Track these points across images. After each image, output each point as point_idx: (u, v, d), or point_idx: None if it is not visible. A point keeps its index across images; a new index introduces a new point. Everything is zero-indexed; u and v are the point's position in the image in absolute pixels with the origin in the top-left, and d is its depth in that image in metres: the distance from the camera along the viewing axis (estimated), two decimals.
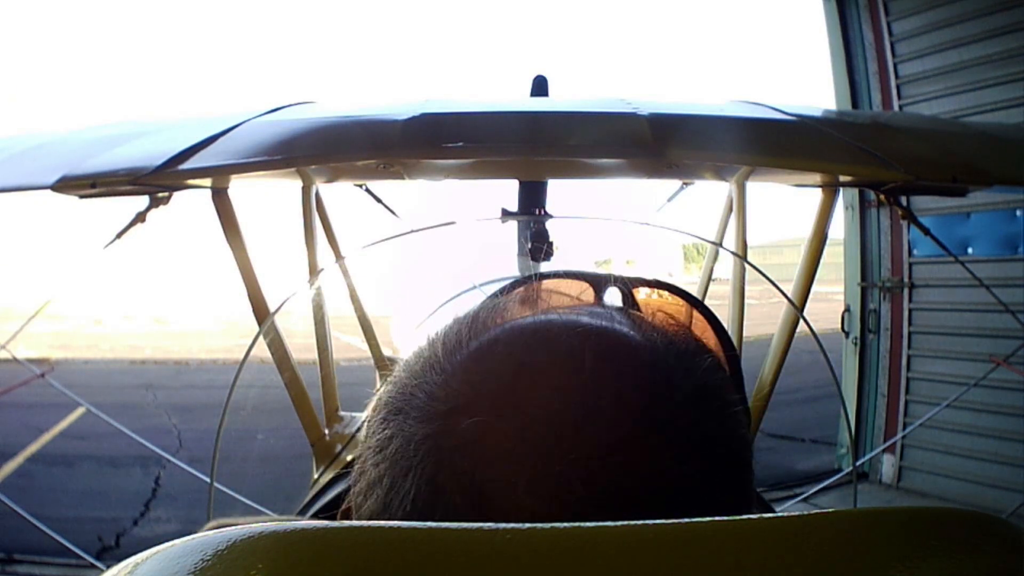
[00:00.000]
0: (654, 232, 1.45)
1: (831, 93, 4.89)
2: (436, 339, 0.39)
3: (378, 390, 0.41)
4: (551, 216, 1.90)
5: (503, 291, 0.45)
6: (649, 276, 0.47)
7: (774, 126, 1.36)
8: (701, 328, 0.48)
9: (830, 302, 6.95)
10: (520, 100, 1.84)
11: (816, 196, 1.47)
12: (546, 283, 0.50)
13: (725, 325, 0.60)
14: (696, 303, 0.62)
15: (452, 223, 1.38)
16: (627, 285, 0.49)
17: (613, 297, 0.49)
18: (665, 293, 0.58)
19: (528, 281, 0.47)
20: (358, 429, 1.60)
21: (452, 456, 0.33)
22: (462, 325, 0.39)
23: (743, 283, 1.64)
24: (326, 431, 1.58)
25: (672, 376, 0.35)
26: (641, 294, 0.49)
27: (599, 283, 0.49)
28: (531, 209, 1.89)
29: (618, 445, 0.32)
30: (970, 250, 4.26)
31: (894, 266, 4.69)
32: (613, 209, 1.45)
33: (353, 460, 1.34)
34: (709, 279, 1.98)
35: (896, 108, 4.50)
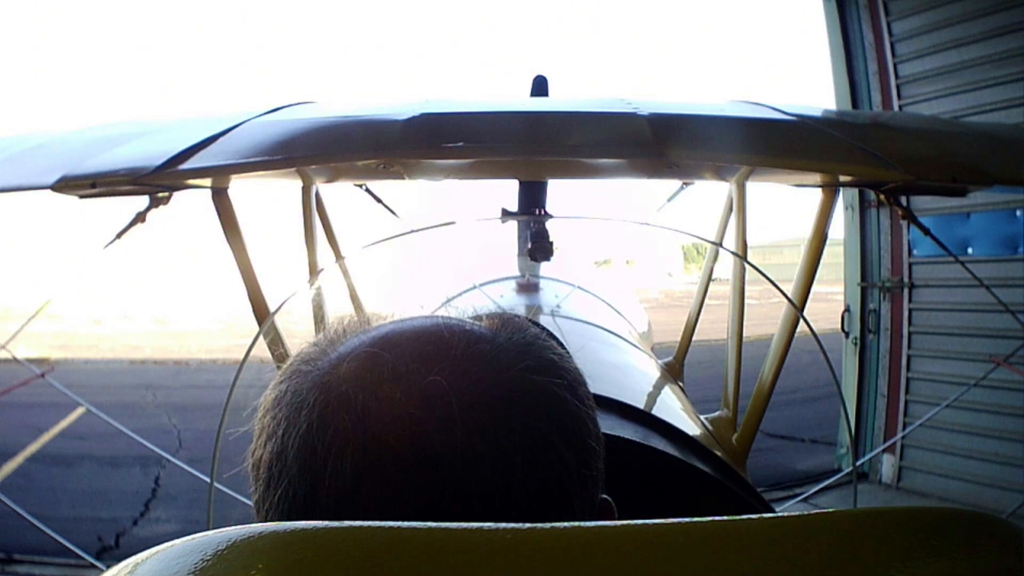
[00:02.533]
0: (654, 232, 1.46)
1: (831, 93, 4.90)
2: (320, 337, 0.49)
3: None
4: (551, 216, 1.90)
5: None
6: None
7: (774, 126, 1.36)
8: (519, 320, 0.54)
9: (830, 302, 6.95)
10: (520, 100, 1.84)
11: (816, 196, 1.47)
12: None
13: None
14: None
15: (452, 223, 1.38)
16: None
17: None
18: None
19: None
20: None
21: (337, 387, 0.41)
22: (338, 326, 0.49)
23: (743, 283, 1.64)
24: None
25: (500, 329, 0.46)
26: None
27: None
28: (531, 209, 1.89)
29: (470, 361, 0.42)
30: (970, 250, 4.26)
31: (894, 266, 4.69)
32: (613, 209, 1.45)
33: None
34: (709, 279, 1.98)
35: (896, 108, 4.50)
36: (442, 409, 0.39)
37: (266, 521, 0.41)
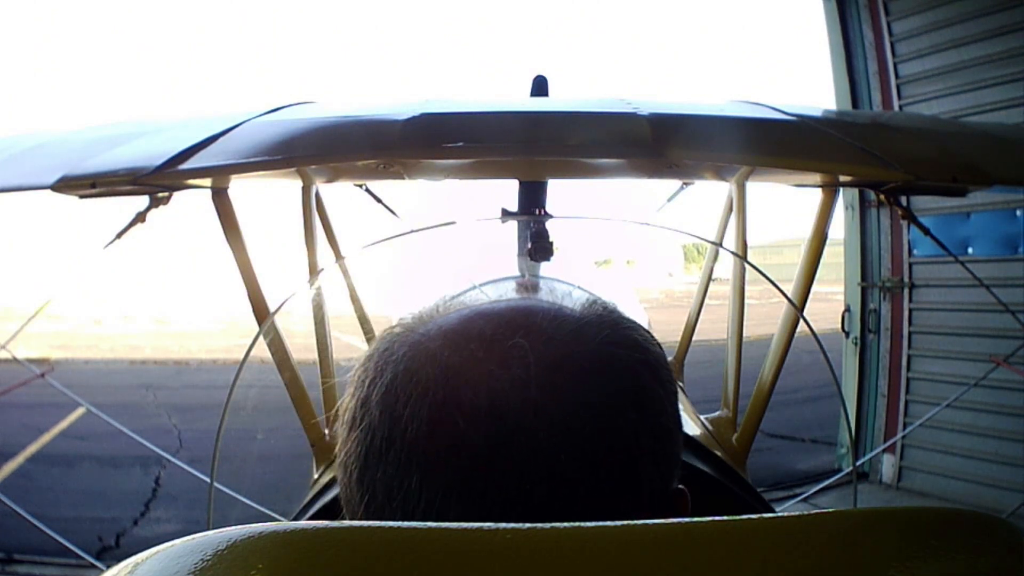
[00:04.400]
0: (654, 232, 1.46)
1: (831, 93, 4.90)
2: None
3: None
4: (551, 216, 1.90)
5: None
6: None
7: (774, 126, 1.36)
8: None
9: (830, 302, 6.94)
10: (520, 100, 1.84)
11: (816, 196, 1.47)
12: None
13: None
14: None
15: (452, 223, 1.38)
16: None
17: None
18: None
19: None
20: None
21: (428, 344, 0.44)
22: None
23: (743, 283, 1.64)
24: (326, 431, 1.57)
25: (589, 308, 0.48)
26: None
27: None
28: (531, 209, 1.89)
29: (558, 332, 0.44)
30: (970, 250, 4.26)
31: (894, 266, 4.69)
32: (613, 209, 1.45)
33: None
34: (709, 279, 1.98)
35: (896, 108, 4.50)
36: (520, 368, 0.41)
37: (344, 465, 0.45)
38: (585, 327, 0.45)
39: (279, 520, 1.64)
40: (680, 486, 0.47)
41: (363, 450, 0.43)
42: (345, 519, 0.43)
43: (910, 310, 4.63)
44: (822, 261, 1.47)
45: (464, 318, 0.46)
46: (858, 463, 4.62)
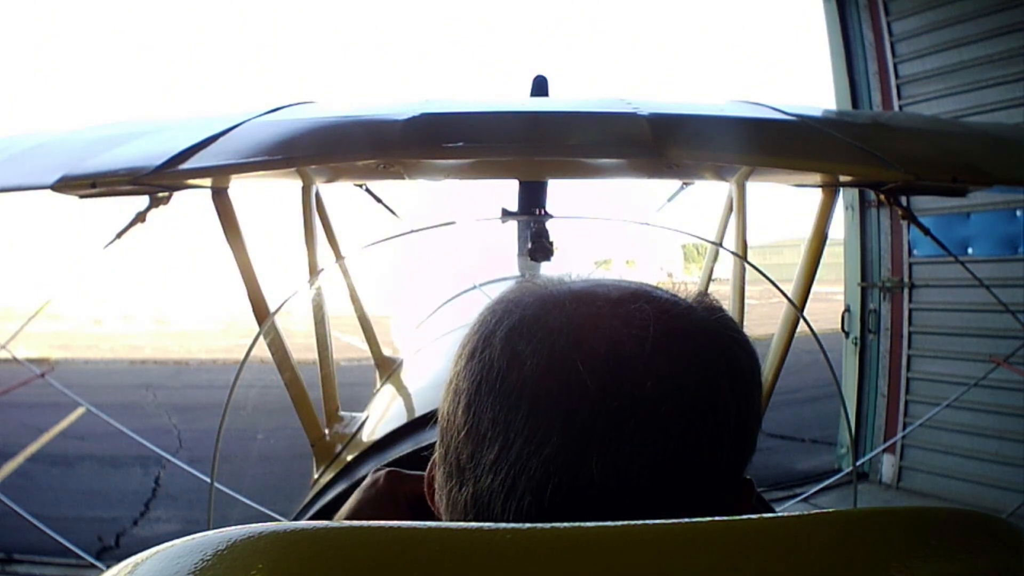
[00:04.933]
0: (654, 232, 1.45)
1: (831, 93, 4.90)
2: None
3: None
4: (551, 216, 1.90)
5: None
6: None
7: (774, 126, 1.36)
8: None
9: (830, 302, 6.95)
10: (520, 100, 1.84)
11: (816, 196, 1.47)
12: None
13: None
14: None
15: (452, 223, 1.38)
16: None
17: None
18: None
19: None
20: (358, 429, 1.60)
21: (556, 297, 0.47)
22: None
23: (743, 283, 1.64)
24: (326, 431, 1.57)
25: (698, 309, 0.50)
26: None
27: None
28: (531, 209, 1.88)
29: (659, 305, 0.47)
30: (970, 250, 4.26)
31: (894, 266, 4.69)
32: (613, 209, 1.45)
33: (354, 460, 1.32)
34: (709, 279, 1.98)
35: (896, 108, 4.50)
36: (640, 329, 0.44)
37: (454, 392, 0.48)
38: (697, 309, 0.48)
39: (279, 520, 1.64)
40: (748, 476, 0.50)
41: (479, 379, 0.46)
42: (345, 520, 0.43)
43: (910, 310, 4.63)
44: (822, 261, 1.47)
45: (592, 283, 0.49)
46: (858, 463, 4.62)
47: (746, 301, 1.65)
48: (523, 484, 0.42)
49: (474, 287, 2.25)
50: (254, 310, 1.45)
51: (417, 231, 1.43)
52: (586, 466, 0.42)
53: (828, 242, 1.49)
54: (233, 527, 0.29)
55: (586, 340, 0.44)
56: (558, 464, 0.42)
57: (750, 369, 0.48)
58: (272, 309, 1.44)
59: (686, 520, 0.30)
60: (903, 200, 1.55)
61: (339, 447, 1.52)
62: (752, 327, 1.96)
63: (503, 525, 0.29)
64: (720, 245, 1.82)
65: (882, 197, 1.39)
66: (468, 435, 0.45)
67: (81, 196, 1.18)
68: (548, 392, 0.43)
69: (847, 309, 4.97)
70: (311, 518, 1.17)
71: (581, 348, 0.44)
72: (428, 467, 0.56)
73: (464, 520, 0.46)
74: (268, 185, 1.69)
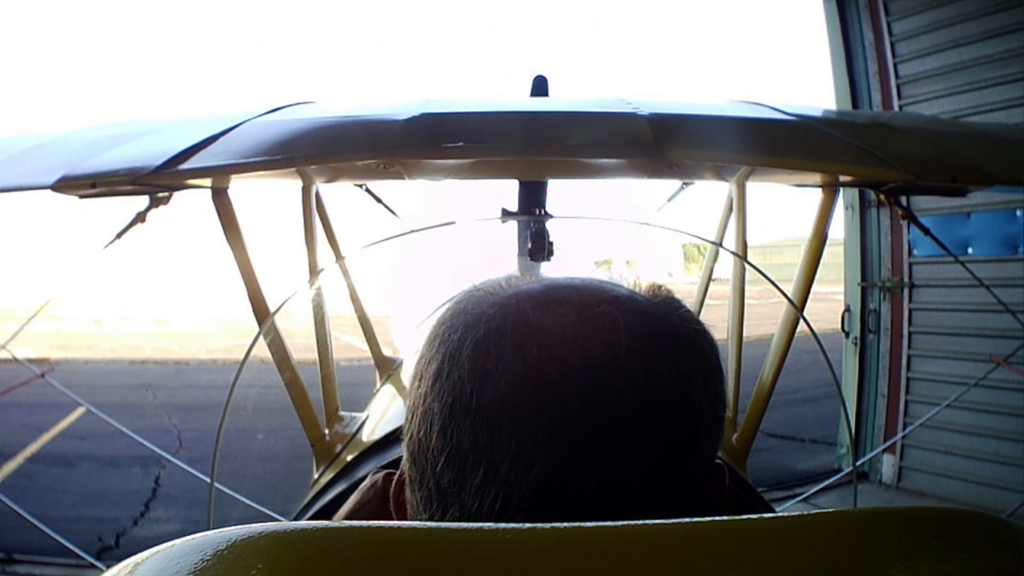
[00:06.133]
0: (654, 232, 1.45)
1: (831, 93, 4.89)
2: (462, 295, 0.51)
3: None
4: (551, 216, 1.90)
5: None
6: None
7: (774, 126, 1.36)
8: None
9: (830, 302, 6.94)
10: (520, 100, 1.84)
11: (816, 196, 1.47)
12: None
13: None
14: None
15: (452, 223, 1.38)
16: None
17: None
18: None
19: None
20: (358, 429, 1.60)
21: (518, 305, 0.46)
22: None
23: (743, 283, 1.64)
24: (326, 431, 1.57)
25: (657, 303, 0.49)
26: None
27: None
28: (531, 209, 1.88)
29: (622, 304, 0.46)
30: (970, 250, 4.25)
31: (894, 266, 4.69)
32: (613, 209, 1.45)
33: (354, 460, 1.32)
34: (709, 279, 1.98)
35: (896, 108, 4.50)
36: (611, 333, 0.44)
37: (424, 417, 0.46)
38: (657, 304, 0.48)
39: (279, 520, 1.64)
40: (718, 460, 0.50)
41: (450, 401, 0.44)
42: (345, 520, 0.43)
43: (910, 310, 4.63)
44: (822, 261, 1.47)
45: (546, 286, 0.48)
46: (858, 463, 4.62)
47: (746, 301, 1.65)
48: (515, 504, 0.42)
49: (475, 287, 2.24)
50: (254, 310, 1.45)
51: (417, 231, 1.43)
52: (578, 478, 0.41)
53: (828, 242, 1.49)
54: (233, 527, 0.29)
55: (558, 351, 0.43)
56: (549, 481, 0.41)
57: (716, 360, 0.49)
58: (272, 309, 1.44)
59: (686, 520, 0.30)
60: (903, 200, 1.55)
61: (339, 447, 1.52)
62: (752, 327, 1.97)
63: (503, 525, 0.29)
64: (720, 245, 1.82)
65: (882, 197, 1.39)
66: (448, 460, 0.44)
67: (81, 196, 1.18)
68: (528, 408, 0.42)
69: (847, 309, 4.97)
70: (311, 518, 1.17)
71: (554, 360, 0.43)
72: (393, 489, 0.53)
73: None
74: (268, 185, 1.69)
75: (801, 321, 1.47)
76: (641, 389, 0.43)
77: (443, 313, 0.50)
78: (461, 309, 0.48)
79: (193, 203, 1.40)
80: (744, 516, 0.30)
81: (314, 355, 1.67)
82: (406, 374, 1.96)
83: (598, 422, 0.42)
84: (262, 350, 1.42)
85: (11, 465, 5.32)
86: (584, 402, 0.42)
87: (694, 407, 0.45)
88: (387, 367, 2.07)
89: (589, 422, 0.42)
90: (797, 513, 0.30)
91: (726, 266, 1.85)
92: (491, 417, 0.43)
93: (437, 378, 0.45)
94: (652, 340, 0.45)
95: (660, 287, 0.51)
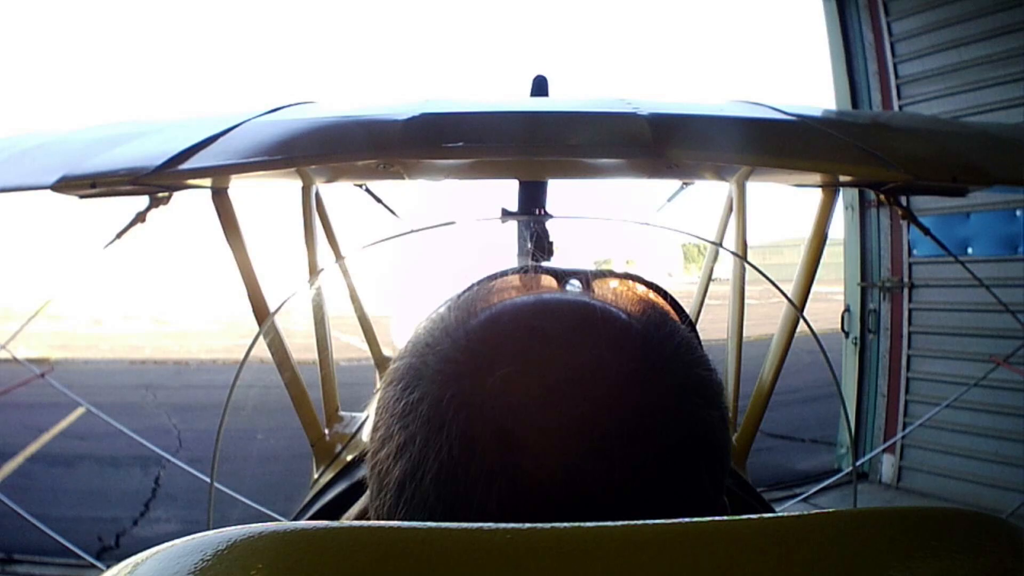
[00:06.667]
0: (654, 232, 1.45)
1: (831, 93, 4.89)
2: (438, 317, 0.45)
3: (379, 388, 0.45)
4: (551, 216, 1.90)
5: (479, 283, 0.50)
6: (617, 271, 0.54)
7: (774, 126, 1.36)
8: (665, 310, 0.53)
9: (830, 302, 6.95)
10: (520, 100, 1.84)
11: (816, 196, 1.47)
12: (514, 278, 0.58)
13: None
14: (656, 288, 0.71)
15: (452, 223, 1.38)
16: (588, 277, 0.56)
17: (574, 289, 0.55)
18: (628, 282, 0.66)
19: (499, 276, 0.55)
20: (358, 429, 1.60)
21: (482, 411, 0.37)
22: (460, 304, 0.45)
23: (743, 283, 1.64)
24: (326, 431, 1.57)
25: (654, 337, 0.42)
26: (602, 286, 0.55)
27: (560, 277, 0.56)
28: (531, 209, 1.88)
29: (626, 390, 0.39)
30: (970, 250, 4.25)
31: (894, 266, 4.69)
32: (613, 209, 1.45)
33: (354, 460, 1.33)
34: (709, 279, 1.98)
35: (896, 108, 4.50)
36: (598, 440, 0.37)
37: (406, 469, 0.40)
38: (655, 375, 0.40)
39: (279, 520, 1.64)
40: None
41: (438, 467, 0.38)
42: (343, 519, 0.42)
43: (910, 310, 4.63)
44: (822, 261, 1.47)
45: (517, 367, 0.39)
46: (858, 463, 4.62)
47: (746, 301, 1.65)
48: None
49: (474, 287, 2.24)
50: (254, 310, 1.45)
51: (417, 231, 1.43)
52: None
53: (828, 242, 1.49)
54: (233, 527, 0.29)
55: (540, 486, 0.36)
56: None
57: (721, 428, 0.42)
58: (272, 309, 1.44)
59: (686, 520, 0.30)
60: (903, 200, 1.55)
61: (339, 447, 1.52)
62: (752, 327, 1.96)
63: (503, 525, 0.29)
64: (720, 245, 1.82)
65: (882, 197, 1.39)
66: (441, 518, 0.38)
67: (81, 196, 1.18)
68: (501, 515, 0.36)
69: (847, 309, 4.97)
70: (311, 518, 1.17)
71: (535, 499, 0.36)
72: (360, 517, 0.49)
73: None
74: (268, 185, 1.69)
75: (801, 321, 1.47)
76: (639, 513, 0.35)
77: (389, 392, 0.42)
78: (417, 400, 0.40)
79: (193, 203, 1.40)
80: (744, 516, 0.30)
81: (314, 355, 1.67)
82: None
83: (589, 505, 0.36)
84: (262, 350, 1.42)
85: (11, 465, 5.32)
86: (574, 498, 0.36)
87: (700, 506, 0.39)
88: (387, 367, 2.07)
89: (577, 509, 0.36)
90: (797, 513, 0.30)
91: (726, 266, 1.85)
92: (481, 484, 0.37)
93: (400, 497, 0.39)
94: (651, 445, 0.38)
95: (651, 306, 0.45)
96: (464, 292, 0.48)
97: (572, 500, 0.36)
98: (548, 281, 0.56)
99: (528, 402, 0.37)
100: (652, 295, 0.59)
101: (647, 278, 0.94)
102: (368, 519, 0.41)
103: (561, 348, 0.39)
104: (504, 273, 0.56)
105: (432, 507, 0.38)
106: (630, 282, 0.84)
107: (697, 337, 0.58)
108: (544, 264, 0.58)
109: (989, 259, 4.16)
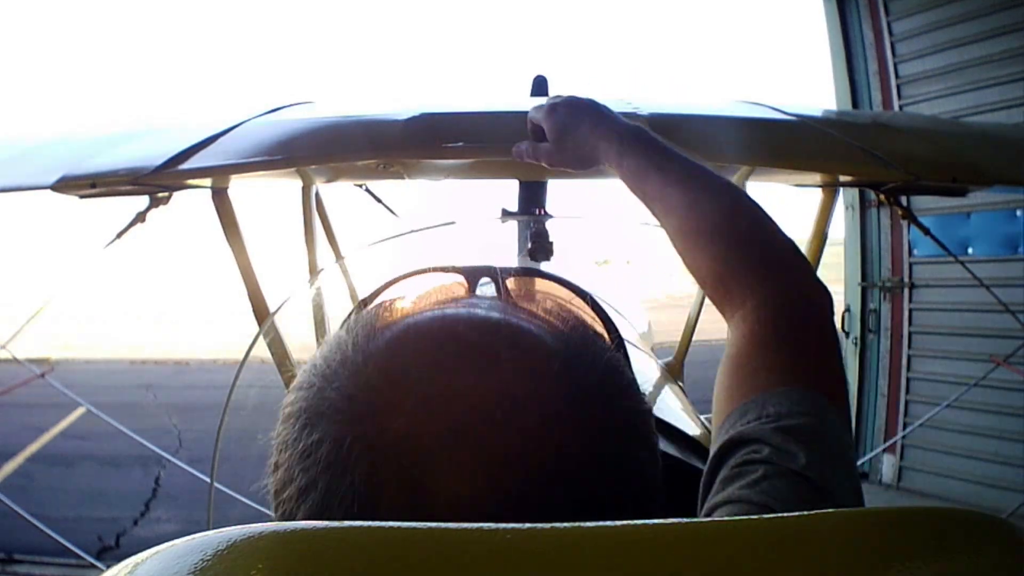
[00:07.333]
0: (654, 232, 1.45)
1: (831, 93, 4.89)
2: (336, 342, 0.41)
3: (286, 401, 0.43)
4: (551, 216, 1.90)
5: (380, 289, 0.48)
6: (533, 268, 0.50)
7: (774, 126, 1.36)
8: (583, 311, 0.50)
9: None
10: (520, 100, 1.84)
11: (816, 196, 1.47)
12: (421, 279, 0.54)
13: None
14: (579, 292, 0.68)
15: (452, 223, 1.38)
16: (500, 276, 0.51)
17: (486, 289, 0.51)
18: (541, 281, 0.62)
19: (404, 278, 0.51)
20: None
21: (387, 455, 0.34)
22: (360, 322, 0.41)
23: None
24: None
25: (576, 363, 0.38)
26: (515, 284, 0.51)
27: (472, 275, 0.52)
28: (531, 209, 1.89)
29: (544, 430, 0.35)
30: (970, 250, 4.25)
31: (894, 266, 4.69)
32: (613, 209, 1.45)
33: None
34: None
35: (896, 108, 4.50)
36: (516, 485, 0.34)
37: (304, 506, 0.37)
38: (581, 408, 0.37)
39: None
40: None
41: (337, 509, 0.35)
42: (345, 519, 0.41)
43: (910, 310, 4.63)
44: (822, 261, 1.47)
45: (431, 360, 0.36)
46: (858, 463, 4.62)
47: None
48: None
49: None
50: (254, 310, 1.45)
51: (417, 231, 1.43)
52: None
53: (828, 242, 1.49)
54: (233, 527, 0.29)
55: (460, 475, 0.34)
56: None
57: (651, 461, 0.40)
58: (272, 309, 1.44)
59: (686, 520, 0.30)
60: (903, 200, 1.55)
61: None
62: None
63: (503, 525, 0.29)
64: None
65: (882, 197, 1.39)
66: None
67: (81, 196, 1.18)
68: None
69: (847, 309, 4.97)
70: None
71: (454, 487, 0.34)
72: None
73: None
74: (268, 185, 1.69)
75: None
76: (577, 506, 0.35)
77: (286, 432, 0.39)
78: (316, 442, 0.37)
79: (193, 203, 1.40)
80: (744, 516, 0.30)
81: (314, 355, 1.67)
82: None
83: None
84: (262, 350, 1.42)
85: (11, 465, 5.32)
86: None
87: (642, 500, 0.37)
88: None
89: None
90: (797, 513, 0.30)
91: None
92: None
93: (328, 490, 0.36)
94: (575, 491, 0.35)
95: (569, 316, 0.41)
96: (369, 297, 0.45)
97: (506, 507, 0.34)
98: (457, 283, 0.49)
99: (434, 446, 0.34)
100: (574, 302, 0.53)
101: (566, 278, 0.87)
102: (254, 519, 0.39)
103: (470, 379, 0.36)
104: (409, 275, 0.51)
105: (357, 501, 0.35)
106: (550, 284, 0.81)
107: (625, 352, 0.54)
108: (453, 265, 0.54)
109: (989, 259, 4.16)
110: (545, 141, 0.89)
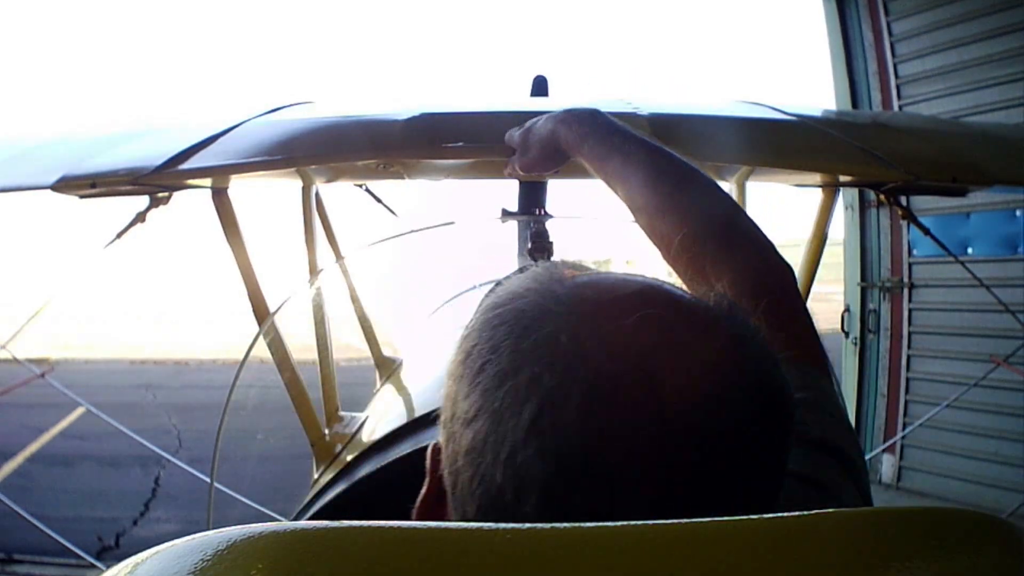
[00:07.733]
0: None
1: (831, 93, 4.89)
2: (527, 275, 0.46)
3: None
4: (551, 216, 1.90)
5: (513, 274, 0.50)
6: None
7: (774, 126, 1.36)
8: None
9: (830, 302, 6.93)
10: (520, 100, 1.84)
11: (816, 196, 1.47)
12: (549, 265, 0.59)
13: None
14: None
15: (452, 223, 1.38)
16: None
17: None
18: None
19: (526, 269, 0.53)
20: (358, 429, 1.60)
21: (624, 346, 0.39)
22: (540, 270, 0.46)
23: None
24: (326, 431, 1.57)
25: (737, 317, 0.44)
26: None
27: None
28: (531, 209, 1.89)
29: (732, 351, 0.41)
30: (970, 250, 4.25)
31: (894, 266, 4.69)
32: (613, 209, 1.45)
33: (355, 460, 1.32)
34: None
35: (896, 108, 4.50)
36: (723, 382, 0.39)
37: (519, 461, 0.39)
38: (734, 323, 0.43)
39: (279, 520, 1.64)
40: None
41: (555, 461, 0.38)
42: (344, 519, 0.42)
43: (910, 310, 4.63)
44: (822, 261, 1.47)
45: (639, 312, 0.40)
46: None
47: None
48: None
49: (474, 287, 2.25)
50: (254, 310, 1.45)
51: (417, 231, 1.43)
52: None
53: (828, 242, 1.49)
54: (233, 527, 0.29)
55: (682, 409, 0.38)
56: None
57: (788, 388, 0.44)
58: (272, 309, 1.44)
59: (686, 520, 0.30)
60: (903, 200, 1.55)
61: (339, 447, 1.52)
62: None
63: (503, 525, 0.29)
64: None
65: (882, 197, 1.39)
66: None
67: (81, 196, 1.18)
68: (652, 474, 0.37)
69: (847, 309, 4.97)
70: (311, 518, 1.17)
71: (685, 440, 0.38)
72: (426, 501, 0.47)
73: None
74: (268, 185, 1.69)
75: None
76: (758, 445, 0.40)
77: (511, 327, 0.42)
78: (542, 334, 0.40)
79: (193, 203, 1.40)
80: (744, 516, 0.30)
81: (314, 355, 1.67)
82: (406, 374, 1.95)
83: (713, 483, 0.38)
84: (262, 350, 1.42)
85: (11, 465, 5.32)
86: (708, 473, 0.38)
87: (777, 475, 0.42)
88: (387, 367, 2.07)
89: (705, 484, 0.38)
90: (797, 513, 0.30)
91: None
92: (612, 482, 0.37)
93: (532, 428, 0.38)
94: (759, 394, 0.41)
95: (723, 298, 0.44)
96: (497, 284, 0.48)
97: (711, 431, 0.38)
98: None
99: (665, 342, 0.39)
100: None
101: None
102: (457, 491, 0.42)
103: (675, 307, 0.42)
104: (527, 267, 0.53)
105: (572, 439, 0.38)
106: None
107: None
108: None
109: (989, 259, 4.16)
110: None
